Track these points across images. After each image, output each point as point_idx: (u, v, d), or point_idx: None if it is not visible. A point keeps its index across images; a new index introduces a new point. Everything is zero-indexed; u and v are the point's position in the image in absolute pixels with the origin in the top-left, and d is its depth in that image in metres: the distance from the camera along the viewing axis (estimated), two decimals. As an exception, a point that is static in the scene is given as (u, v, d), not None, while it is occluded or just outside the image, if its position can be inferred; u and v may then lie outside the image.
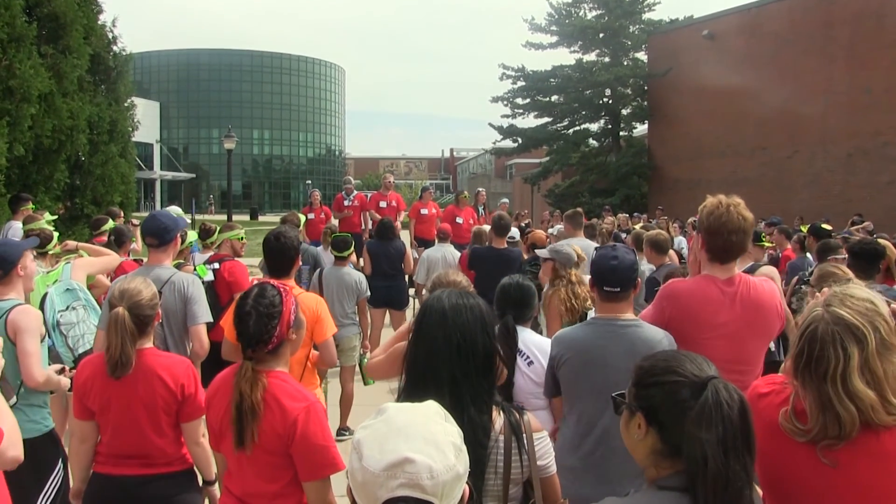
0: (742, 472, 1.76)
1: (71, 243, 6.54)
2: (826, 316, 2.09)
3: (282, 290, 3.09)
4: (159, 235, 4.97)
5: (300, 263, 5.16)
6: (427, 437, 1.57)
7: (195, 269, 6.56)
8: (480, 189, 17.32)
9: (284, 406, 2.89)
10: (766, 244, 8.45)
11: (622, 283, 3.59)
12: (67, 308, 5.13)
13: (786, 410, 2.16)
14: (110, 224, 8.67)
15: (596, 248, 5.17)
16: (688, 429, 1.78)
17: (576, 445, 3.51)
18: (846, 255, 7.10)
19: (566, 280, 5.60)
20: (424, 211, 14.73)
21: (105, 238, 8.21)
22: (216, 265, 6.61)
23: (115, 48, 21.99)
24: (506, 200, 18.43)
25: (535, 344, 4.22)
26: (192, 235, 8.07)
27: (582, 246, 7.83)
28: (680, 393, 1.85)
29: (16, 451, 2.74)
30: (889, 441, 2.04)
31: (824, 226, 10.07)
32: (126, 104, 22.49)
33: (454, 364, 2.38)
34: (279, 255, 4.84)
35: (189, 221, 9.23)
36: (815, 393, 2.07)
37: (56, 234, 6.83)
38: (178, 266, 5.72)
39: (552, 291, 5.59)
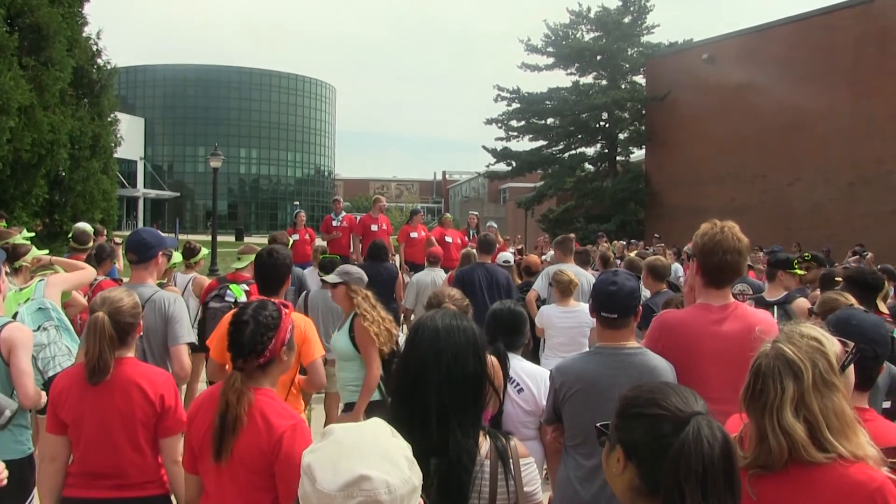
0: None
1: (45, 257, 6.22)
2: (770, 351, 2.19)
3: (282, 308, 3.09)
4: (138, 251, 4.86)
5: (289, 283, 5.07)
6: (380, 452, 1.55)
7: (230, 289, 6.70)
8: (473, 212, 17.22)
9: (271, 422, 2.85)
10: (799, 272, 8.07)
11: (620, 310, 3.51)
12: (38, 328, 4.89)
13: (734, 437, 2.14)
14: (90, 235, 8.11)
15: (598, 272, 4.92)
16: (666, 467, 1.71)
17: (587, 479, 3.41)
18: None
19: (369, 302, 5.51)
20: (414, 234, 14.27)
21: (84, 256, 7.87)
22: (246, 286, 6.74)
23: (99, 61, 21.66)
24: (493, 224, 18.01)
25: (525, 371, 4.17)
26: (178, 256, 8.00)
27: (573, 273, 7.83)
28: (661, 427, 1.77)
29: None
30: (818, 478, 2.08)
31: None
32: (109, 119, 22.10)
33: (443, 385, 2.35)
34: (272, 271, 4.85)
35: (177, 241, 8.78)
36: (754, 424, 2.18)
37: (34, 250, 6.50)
38: (160, 286, 5.62)
39: (362, 318, 5.33)
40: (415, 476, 1.58)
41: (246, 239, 48.32)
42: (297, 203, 65.37)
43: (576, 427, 3.49)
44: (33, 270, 6.06)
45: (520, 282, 9.97)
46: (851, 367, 2.37)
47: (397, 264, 12.32)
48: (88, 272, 5.90)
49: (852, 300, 4.08)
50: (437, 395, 2.34)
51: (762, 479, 2.14)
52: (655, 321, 3.78)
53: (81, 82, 20.52)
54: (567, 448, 3.57)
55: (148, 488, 3.53)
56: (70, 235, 8.38)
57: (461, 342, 2.42)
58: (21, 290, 5.41)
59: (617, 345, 3.51)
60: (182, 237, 32.30)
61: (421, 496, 1.62)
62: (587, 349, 5.38)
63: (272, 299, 3.28)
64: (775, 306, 6.40)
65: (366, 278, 5.74)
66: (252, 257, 7.27)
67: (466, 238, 14.95)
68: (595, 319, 3.63)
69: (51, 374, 4.78)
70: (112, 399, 3.45)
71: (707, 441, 1.70)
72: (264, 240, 17.27)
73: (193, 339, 5.00)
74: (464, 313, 3.95)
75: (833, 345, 2.20)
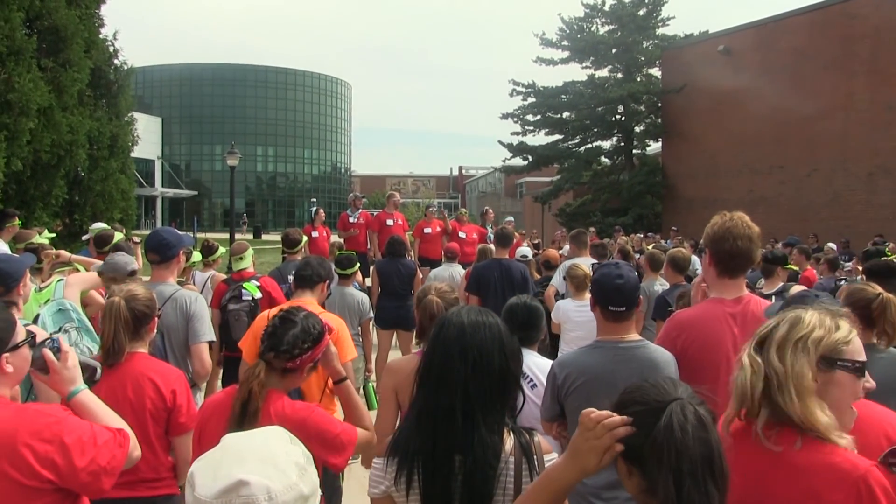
0: (700, 500, 1.65)
1: (64, 254, 6.26)
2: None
3: (327, 328, 3.15)
4: (160, 251, 4.91)
5: (325, 290, 5.14)
6: (265, 457, 1.52)
7: (244, 288, 6.69)
8: (488, 208, 17.29)
9: (286, 415, 2.88)
10: (792, 267, 8.11)
11: (628, 303, 3.50)
12: (59, 330, 4.81)
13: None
14: (119, 237, 8.08)
15: (593, 265, 4.90)
16: (648, 462, 1.71)
17: None
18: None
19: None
20: (428, 230, 14.32)
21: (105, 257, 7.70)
22: (255, 282, 6.80)
23: (116, 62, 21.66)
24: (511, 219, 18.07)
25: (538, 367, 4.15)
26: (197, 255, 8.15)
27: (589, 266, 7.84)
28: (644, 424, 1.75)
29: (139, 451, 2.71)
30: (804, 462, 2.08)
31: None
32: (127, 119, 22.11)
33: (468, 380, 2.33)
34: (312, 273, 4.94)
35: (193, 239, 8.81)
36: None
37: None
38: (179, 284, 5.63)
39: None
40: (304, 484, 1.54)
41: (263, 237, 48.54)
42: (314, 200, 65.51)
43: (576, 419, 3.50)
44: (53, 269, 6.11)
45: (539, 277, 9.97)
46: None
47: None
48: None
49: (879, 289, 4.06)
50: (462, 392, 2.33)
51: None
52: (670, 321, 3.79)
53: (99, 83, 20.57)
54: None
55: (158, 487, 3.55)
56: (93, 236, 8.38)
57: (487, 338, 2.41)
58: (41, 290, 5.43)
59: (618, 338, 3.51)
60: (200, 235, 32.44)
61: None
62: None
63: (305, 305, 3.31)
64: (773, 297, 6.43)
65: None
66: (251, 252, 7.40)
67: (488, 234, 14.95)
68: (597, 312, 3.59)
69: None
70: (124, 390, 3.47)
71: (678, 426, 1.70)
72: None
73: (214, 337, 5.02)
74: (451, 306, 3.98)
75: (839, 333, 2.18)
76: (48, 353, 2.71)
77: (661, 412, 1.74)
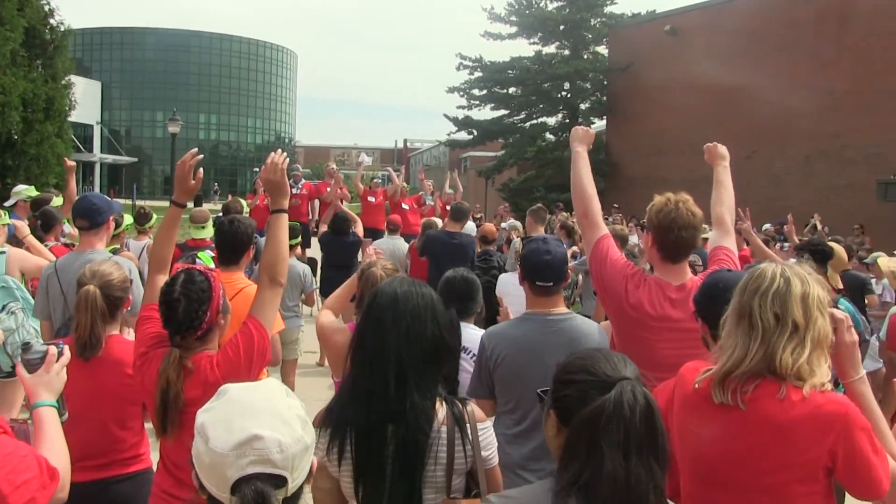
0: (646, 476, 1.71)
1: (24, 229, 6.02)
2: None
3: (209, 274, 3.02)
4: (90, 217, 4.72)
5: (251, 254, 4.81)
6: (273, 412, 1.57)
7: (199, 258, 6.44)
8: (428, 180, 17.09)
9: (214, 376, 2.83)
10: None
11: (556, 278, 3.57)
12: (3, 309, 4.42)
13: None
14: (56, 202, 7.77)
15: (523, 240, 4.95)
16: (584, 428, 1.75)
17: (516, 442, 3.45)
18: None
19: None
20: (371, 199, 14.49)
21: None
22: (210, 252, 6.57)
23: (52, 21, 21.04)
24: (451, 191, 17.94)
25: (474, 339, 4.08)
26: (129, 219, 7.90)
27: None
28: (588, 393, 1.79)
29: (65, 493, 2.40)
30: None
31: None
32: (64, 82, 21.57)
33: (401, 348, 2.38)
34: (233, 240, 4.59)
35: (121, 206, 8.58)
36: None
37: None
38: (114, 252, 5.51)
39: None
40: (307, 435, 1.61)
41: (205, 205, 47.60)
42: (257, 170, 64.64)
43: (507, 393, 3.54)
44: None
45: (479, 250, 9.98)
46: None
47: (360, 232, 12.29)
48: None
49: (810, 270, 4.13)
50: (395, 359, 2.37)
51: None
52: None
53: (34, 43, 20.07)
54: (499, 413, 3.61)
55: (131, 465, 3.48)
56: (28, 201, 8.10)
57: (420, 305, 2.45)
58: None
59: (546, 311, 3.57)
60: (140, 203, 31.87)
61: (314, 455, 1.67)
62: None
63: (220, 272, 3.25)
64: None
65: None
66: (212, 221, 7.29)
67: (422, 204, 15.01)
68: (526, 287, 3.64)
69: (20, 359, 4.66)
70: (101, 377, 3.38)
71: (627, 405, 1.74)
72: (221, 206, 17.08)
73: None
74: None
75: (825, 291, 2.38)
76: (54, 352, 2.61)
77: (610, 388, 1.78)
